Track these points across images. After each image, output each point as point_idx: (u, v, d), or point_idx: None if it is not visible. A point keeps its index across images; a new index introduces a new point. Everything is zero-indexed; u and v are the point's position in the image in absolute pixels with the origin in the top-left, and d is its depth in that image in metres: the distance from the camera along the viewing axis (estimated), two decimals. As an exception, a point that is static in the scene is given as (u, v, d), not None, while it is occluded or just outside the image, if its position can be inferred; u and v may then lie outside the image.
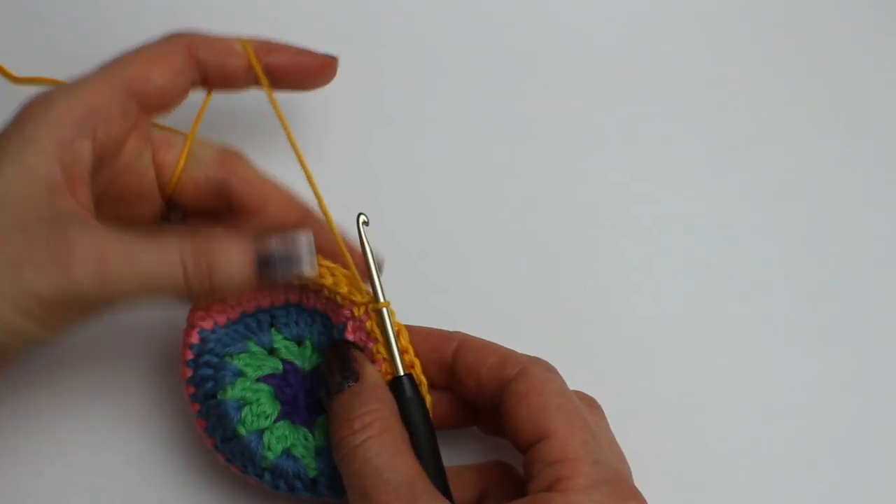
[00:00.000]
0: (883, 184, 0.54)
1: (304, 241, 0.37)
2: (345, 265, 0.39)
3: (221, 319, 0.40)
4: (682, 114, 0.55)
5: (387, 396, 0.37)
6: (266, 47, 0.42)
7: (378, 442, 0.35)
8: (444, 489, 0.36)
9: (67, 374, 0.44)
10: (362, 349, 0.38)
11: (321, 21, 0.55)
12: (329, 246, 0.40)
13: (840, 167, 0.54)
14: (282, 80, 0.42)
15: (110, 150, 0.39)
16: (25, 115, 0.37)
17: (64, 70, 0.52)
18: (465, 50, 0.56)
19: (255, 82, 0.42)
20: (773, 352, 0.48)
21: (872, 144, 0.55)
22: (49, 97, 0.38)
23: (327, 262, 0.40)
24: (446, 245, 0.50)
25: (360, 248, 0.39)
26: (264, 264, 0.36)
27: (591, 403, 0.39)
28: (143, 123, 0.40)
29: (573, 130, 0.54)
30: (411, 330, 0.39)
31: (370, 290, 0.39)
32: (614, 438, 0.38)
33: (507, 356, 0.38)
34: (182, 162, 0.41)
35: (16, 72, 0.51)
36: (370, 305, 0.38)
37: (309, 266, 0.37)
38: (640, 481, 0.36)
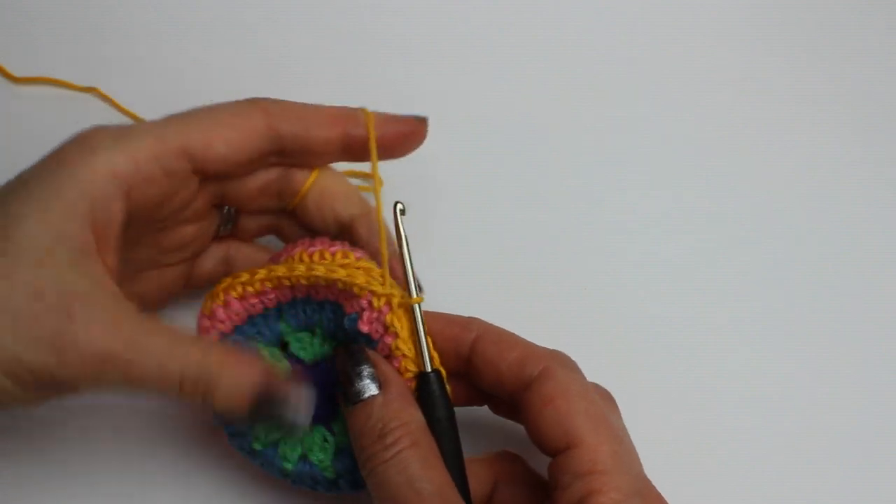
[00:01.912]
0: (883, 184, 0.54)
1: (306, 396, 0.35)
2: (375, 254, 0.38)
3: (228, 327, 0.39)
4: (683, 114, 0.55)
5: (412, 404, 0.35)
6: (383, 118, 0.39)
7: (409, 455, 0.33)
8: (465, 490, 0.36)
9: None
10: (374, 344, 0.37)
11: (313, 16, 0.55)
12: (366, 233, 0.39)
13: (840, 167, 0.54)
14: (385, 149, 0.39)
15: (145, 210, 0.36)
16: (63, 161, 0.34)
17: (64, 70, 0.52)
18: (467, 52, 0.56)
19: (339, 157, 0.39)
20: (774, 350, 0.48)
21: (873, 144, 0.55)
22: (94, 144, 0.34)
23: (341, 252, 0.38)
24: (449, 239, 0.50)
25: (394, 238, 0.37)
26: (262, 403, 0.34)
27: (605, 397, 0.38)
28: (194, 185, 0.37)
29: (574, 131, 0.54)
30: (430, 316, 0.37)
31: (393, 280, 0.37)
32: (627, 432, 0.37)
33: (527, 352, 0.36)
34: (310, 182, 0.39)
35: (15, 72, 0.51)
36: (400, 300, 0.36)
37: (301, 422, 0.35)
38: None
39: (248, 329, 0.38)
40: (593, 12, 0.58)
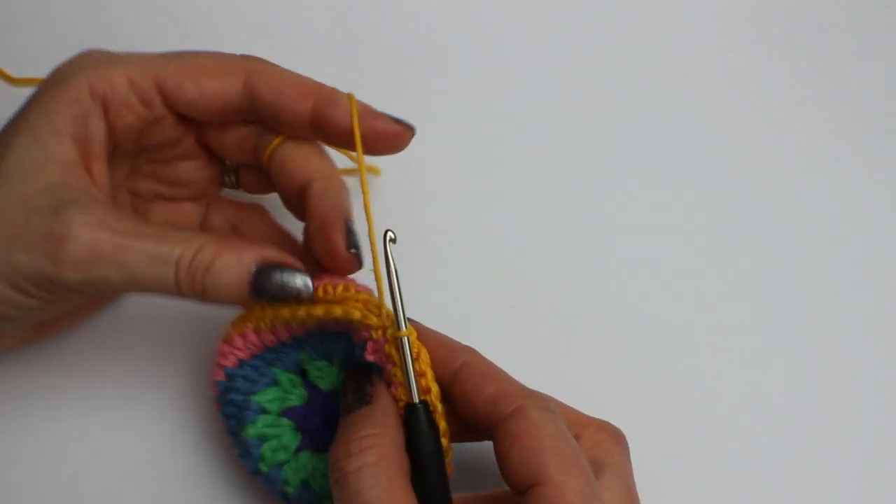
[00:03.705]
0: (884, 185, 0.54)
1: (300, 276, 0.36)
2: (314, 234, 0.37)
3: (246, 354, 0.39)
4: (683, 114, 0.55)
5: (392, 423, 0.35)
6: (368, 111, 0.38)
7: (372, 472, 0.32)
8: None
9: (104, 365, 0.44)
10: (381, 370, 0.36)
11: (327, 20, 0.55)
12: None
13: (841, 168, 0.54)
14: (363, 144, 0.38)
15: (127, 136, 0.38)
16: (49, 84, 0.36)
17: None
18: (464, 51, 0.56)
19: (312, 134, 0.38)
20: (775, 351, 0.48)
21: (873, 144, 0.55)
22: (77, 65, 0.36)
23: (343, 285, 0.37)
24: (444, 243, 0.50)
25: (384, 267, 0.36)
26: (261, 277, 0.35)
27: (616, 438, 0.37)
28: (170, 123, 0.38)
29: (574, 131, 0.54)
30: (423, 333, 0.37)
31: (391, 309, 0.36)
32: (629, 479, 0.36)
33: (504, 390, 0.35)
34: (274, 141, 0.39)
35: (14, 74, 0.51)
36: (389, 332, 0.36)
37: (304, 287, 0.35)
38: (640, 481, 0.36)
39: (268, 355, 0.39)
40: (593, 12, 0.58)
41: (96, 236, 0.33)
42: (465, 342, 0.37)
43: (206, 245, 0.35)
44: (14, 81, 0.50)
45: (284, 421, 0.38)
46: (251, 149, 0.39)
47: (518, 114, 0.54)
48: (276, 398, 0.38)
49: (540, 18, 0.57)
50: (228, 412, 0.38)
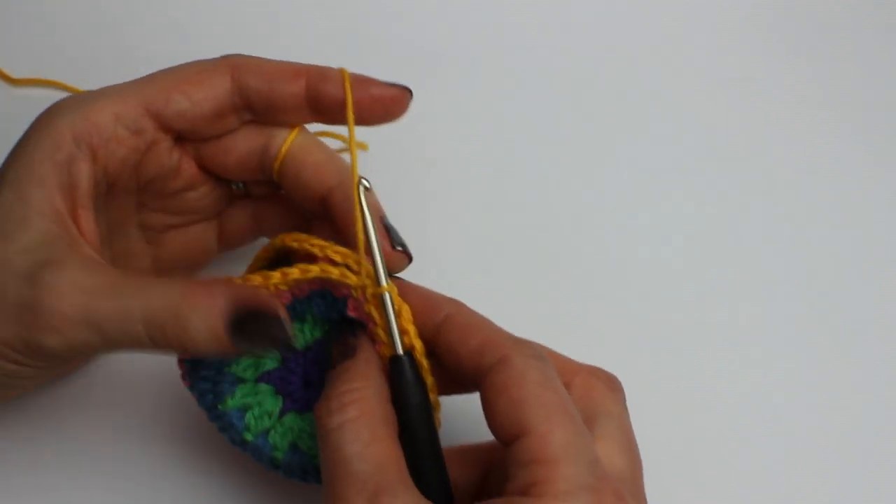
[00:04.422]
0: (885, 185, 0.54)
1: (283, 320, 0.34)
2: (352, 241, 0.35)
3: None
4: (683, 115, 0.55)
5: (374, 374, 0.33)
6: (362, 80, 0.37)
7: (353, 427, 0.31)
8: (442, 478, 0.34)
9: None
10: (364, 326, 0.35)
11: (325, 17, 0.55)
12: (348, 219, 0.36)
13: (842, 168, 0.54)
14: (361, 115, 0.37)
15: (123, 171, 0.36)
16: (30, 133, 0.35)
17: (62, 72, 0.52)
18: (464, 51, 0.56)
19: (309, 116, 0.38)
20: (776, 352, 0.48)
21: (874, 146, 0.55)
22: (55, 111, 0.35)
23: (318, 241, 0.36)
24: (448, 239, 0.50)
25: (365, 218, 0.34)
26: (240, 324, 0.33)
27: (610, 384, 0.35)
28: (165, 147, 0.37)
29: (573, 132, 0.54)
30: (404, 288, 0.35)
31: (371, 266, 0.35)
32: (625, 426, 0.35)
33: (489, 339, 0.33)
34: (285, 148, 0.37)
35: (13, 74, 0.51)
36: (369, 291, 0.35)
37: (288, 331, 0.34)
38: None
39: None
40: (594, 12, 0.58)
41: (69, 300, 0.32)
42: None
43: (173, 296, 0.32)
44: (14, 81, 0.50)
45: (263, 387, 0.38)
46: (256, 166, 0.38)
47: (518, 114, 0.54)
48: (249, 365, 0.38)
49: (540, 19, 0.57)
50: (202, 387, 0.37)
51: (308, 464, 0.37)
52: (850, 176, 0.54)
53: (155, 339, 0.32)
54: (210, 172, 0.39)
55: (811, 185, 0.53)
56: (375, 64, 0.54)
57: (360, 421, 0.32)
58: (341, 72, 0.37)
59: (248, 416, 0.37)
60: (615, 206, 0.51)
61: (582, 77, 0.55)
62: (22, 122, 0.39)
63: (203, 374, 0.37)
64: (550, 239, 0.50)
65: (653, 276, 0.49)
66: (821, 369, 0.47)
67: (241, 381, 0.38)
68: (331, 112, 0.37)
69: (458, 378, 0.35)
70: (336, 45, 0.55)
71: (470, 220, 0.50)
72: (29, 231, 0.33)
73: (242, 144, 0.38)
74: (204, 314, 0.32)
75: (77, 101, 0.35)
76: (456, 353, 0.34)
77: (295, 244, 0.36)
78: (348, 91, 0.37)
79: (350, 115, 0.36)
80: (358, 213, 0.35)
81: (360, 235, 0.34)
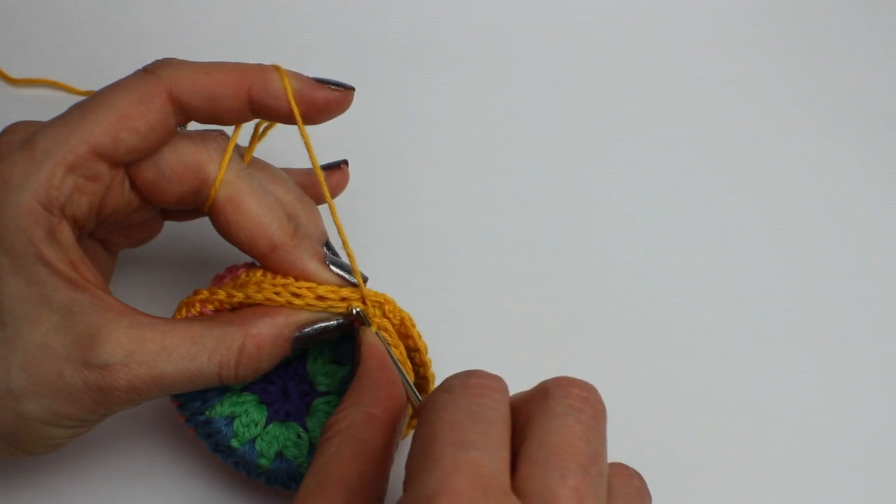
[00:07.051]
0: (885, 186, 0.54)
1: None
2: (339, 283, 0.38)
3: None
4: (683, 116, 0.55)
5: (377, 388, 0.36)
6: (304, 83, 0.38)
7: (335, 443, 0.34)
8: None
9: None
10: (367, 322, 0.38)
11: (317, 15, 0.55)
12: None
13: (842, 169, 0.54)
14: (306, 116, 0.38)
15: (89, 218, 0.36)
16: None
17: (61, 73, 0.52)
18: (463, 51, 0.56)
19: (251, 118, 0.38)
20: (776, 353, 0.48)
21: (873, 145, 0.55)
22: (7, 188, 0.34)
23: (275, 285, 0.37)
24: (444, 242, 0.50)
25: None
26: (302, 339, 0.37)
27: (636, 492, 0.33)
28: (119, 178, 0.37)
29: (572, 133, 0.54)
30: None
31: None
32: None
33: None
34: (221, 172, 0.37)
35: (13, 74, 0.51)
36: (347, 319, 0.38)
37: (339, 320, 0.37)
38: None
39: None
40: (592, 12, 0.58)
41: (135, 373, 0.34)
42: (464, 343, 0.37)
43: (239, 340, 0.36)
44: (14, 81, 0.50)
45: (247, 396, 0.39)
46: (191, 203, 0.38)
47: (516, 116, 0.53)
48: None
49: (538, 20, 0.57)
50: (188, 396, 0.38)
51: (295, 471, 0.38)
52: (850, 176, 0.54)
53: (227, 378, 0.36)
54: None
55: (811, 185, 0.53)
56: (373, 61, 0.54)
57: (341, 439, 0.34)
58: (282, 77, 0.37)
59: (237, 423, 0.38)
60: (614, 206, 0.51)
61: (581, 77, 0.55)
62: (22, 123, 0.40)
63: None
64: (548, 239, 0.50)
65: (652, 276, 0.49)
66: (820, 369, 0.47)
67: (229, 389, 0.39)
68: (276, 118, 0.38)
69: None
70: (329, 40, 0.55)
71: (468, 219, 0.50)
72: (52, 306, 0.33)
73: (178, 187, 0.37)
74: (270, 342, 0.36)
75: (20, 168, 0.34)
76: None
77: (259, 297, 0.37)
78: (291, 98, 0.37)
79: (297, 115, 0.37)
80: (351, 255, 0.38)
81: (348, 248, 0.37)
